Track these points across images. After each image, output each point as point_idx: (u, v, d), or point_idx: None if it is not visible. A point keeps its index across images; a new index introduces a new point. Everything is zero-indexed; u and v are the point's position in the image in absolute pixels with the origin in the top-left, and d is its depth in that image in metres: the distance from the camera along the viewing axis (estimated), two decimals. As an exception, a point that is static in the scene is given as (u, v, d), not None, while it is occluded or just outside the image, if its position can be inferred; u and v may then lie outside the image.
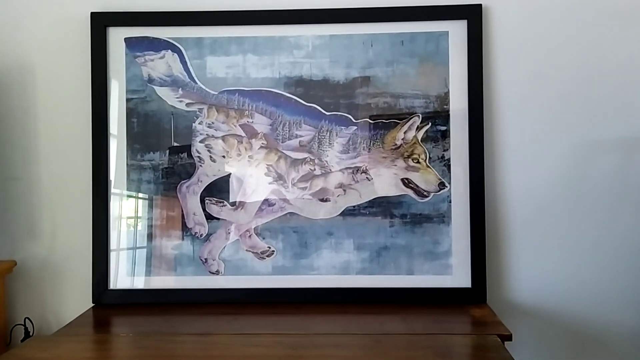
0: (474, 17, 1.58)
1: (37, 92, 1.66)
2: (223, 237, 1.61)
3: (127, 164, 1.62)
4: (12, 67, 1.66)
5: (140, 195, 1.62)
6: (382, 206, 1.59)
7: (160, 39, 1.61)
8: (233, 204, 1.61)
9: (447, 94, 1.58)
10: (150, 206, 1.62)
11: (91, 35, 1.61)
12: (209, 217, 1.61)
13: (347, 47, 1.60)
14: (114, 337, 1.41)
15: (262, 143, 1.61)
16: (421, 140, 1.59)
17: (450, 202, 1.58)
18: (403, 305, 1.54)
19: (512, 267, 1.63)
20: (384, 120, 1.59)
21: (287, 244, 1.60)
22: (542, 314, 1.62)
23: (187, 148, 1.61)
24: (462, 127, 1.58)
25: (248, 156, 1.61)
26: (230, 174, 1.61)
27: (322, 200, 1.60)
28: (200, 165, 1.61)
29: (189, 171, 1.61)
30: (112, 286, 1.60)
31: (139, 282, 1.60)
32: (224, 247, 1.61)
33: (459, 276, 1.57)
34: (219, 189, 1.61)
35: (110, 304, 1.58)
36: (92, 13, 1.61)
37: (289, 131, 1.60)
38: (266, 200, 1.60)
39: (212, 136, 1.61)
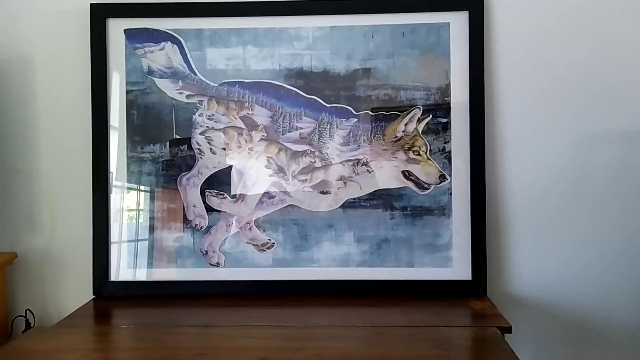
0: (475, 8, 1.57)
1: (37, 84, 1.66)
2: (223, 230, 1.61)
3: (127, 156, 1.62)
4: (12, 59, 1.65)
5: (141, 187, 1.62)
6: (382, 198, 1.58)
7: (160, 30, 1.61)
8: (233, 196, 1.61)
9: (448, 86, 1.57)
10: (151, 198, 1.62)
11: (91, 26, 1.60)
12: (209, 209, 1.61)
13: (347, 38, 1.59)
14: (115, 328, 1.42)
15: (263, 135, 1.60)
16: (422, 133, 1.58)
17: (450, 194, 1.57)
18: (403, 298, 1.54)
19: (512, 259, 1.63)
20: (384, 113, 1.59)
21: (288, 236, 1.60)
22: (543, 306, 1.62)
23: (187, 140, 1.61)
24: (463, 119, 1.57)
25: (248, 148, 1.60)
26: (230, 166, 1.61)
27: (322, 192, 1.60)
28: (201, 158, 1.61)
29: (189, 163, 1.61)
30: (112, 278, 1.60)
31: (140, 274, 1.61)
32: (225, 240, 1.61)
33: (459, 268, 1.57)
34: (219, 181, 1.61)
35: (110, 295, 1.58)
36: (91, 4, 1.60)
37: (289, 123, 1.60)
38: (266, 192, 1.60)
39: (212, 128, 1.61)
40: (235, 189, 1.61)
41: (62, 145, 1.66)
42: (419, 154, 1.58)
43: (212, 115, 1.61)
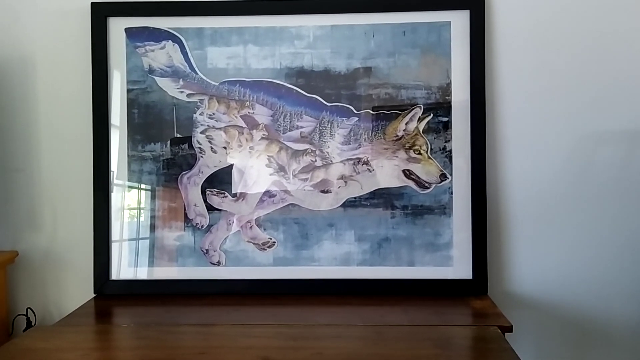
0: (476, 7, 1.56)
1: (37, 83, 1.66)
2: (224, 228, 1.61)
3: (128, 155, 1.62)
4: (13, 58, 1.65)
5: (142, 186, 1.62)
6: (383, 197, 1.58)
7: (161, 29, 1.61)
8: (234, 195, 1.61)
9: (449, 85, 1.57)
10: (152, 197, 1.62)
11: (91, 25, 1.60)
12: (210, 208, 1.61)
13: (348, 37, 1.59)
14: (115, 327, 1.42)
15: (263, 134, 1.60)
16: (423, 132, 1.58)
17: (451, 193, 1.57)
18: (404, 297, 1.54)
19: (513, 258, 1.63)
20: (385, 112, 1.59)
21: (288, 235, 1.60)
22: (543, 305, 1.62)
23: (188, 139, 1.61)
24: (464, 118, 1.57)
25: (249, 147, 1.60)
26: (231, 165, 1.61)
27: (323, 191, 1.60)
28: (201, 157, 1.61)
29: (190, 162, 1.61)
30: (113, 277, 1.60)
31: (141, 273, 1.61)
32: (225, 238, 1.61)
33: (460, 267, 1.57)
34: (220, 180, 1.61)
35: (111, 294, 1.59)
36: (92, 3, 1.60)
37: (290, 122, 1.60)
38: (267, 191, 1.60)
39: (213, 127, 1.61)
40: (236, 188, 1.61)
41: (63, 144, 1.66)
42: (419, 153, 1.58)
43: (213, 114, 1.61)
